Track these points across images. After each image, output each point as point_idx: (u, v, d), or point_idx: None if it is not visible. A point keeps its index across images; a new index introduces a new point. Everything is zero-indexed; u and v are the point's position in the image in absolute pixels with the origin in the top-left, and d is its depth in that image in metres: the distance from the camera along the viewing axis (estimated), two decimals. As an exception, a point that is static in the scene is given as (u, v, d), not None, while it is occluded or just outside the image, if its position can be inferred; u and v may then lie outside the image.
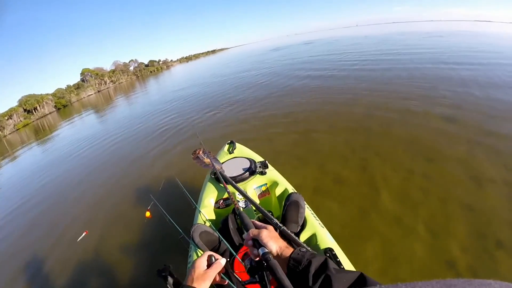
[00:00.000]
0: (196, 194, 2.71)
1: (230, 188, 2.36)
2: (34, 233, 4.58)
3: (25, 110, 35.07)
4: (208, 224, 2.15)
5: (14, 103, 35.98)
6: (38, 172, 7.97)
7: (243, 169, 2.66)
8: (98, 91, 38.60)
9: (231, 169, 2.69)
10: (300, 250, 0.92)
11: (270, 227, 1.04)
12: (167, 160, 5.78)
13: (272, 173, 2.64)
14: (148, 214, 2.54)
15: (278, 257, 0.96)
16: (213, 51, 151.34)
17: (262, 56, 30.61)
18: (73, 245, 3.81)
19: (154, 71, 64.11)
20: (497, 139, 4.20)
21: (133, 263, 3.24)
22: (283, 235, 1.58)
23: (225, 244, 1.80)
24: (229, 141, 3.30)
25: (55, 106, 37.42)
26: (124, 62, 65.44)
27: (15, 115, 32.52)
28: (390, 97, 6.76)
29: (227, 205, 2.49)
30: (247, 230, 1.09)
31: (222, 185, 2.49)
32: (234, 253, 1.61)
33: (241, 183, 2.53)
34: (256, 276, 0.99)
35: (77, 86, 44.84)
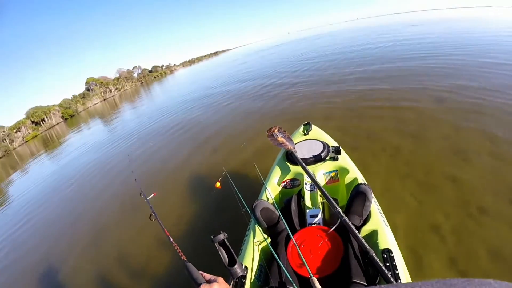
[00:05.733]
0: (267, 171, 2.75)
1: (299, 169, 2.40)
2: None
3: (32, 122, 35.28)
4: (271, 201, 2.14)
5: (21, 116, 36.34)
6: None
7: (316, 152, 2.58)
8: (104, 100, 38.79)
9: (304, 151, 2.64)
10: None
11: (220, 279, 0.99)
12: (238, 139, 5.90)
13: (345, 160, 2.52)
14: (218, 184, 2.49)
15: None
16: (216, 53, 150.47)
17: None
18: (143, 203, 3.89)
19: (158, 76, 64.38)
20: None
21: (193, 225, 3.55)
22: (343, 226, 1.61)
23: (284, 224, 1.80)
24: (306, 122, 3.18)
25: (62, 117, 37.59)
26: (128, 69, 65.72)
27: (23, 127, 32.70)
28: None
29: (293, 186, 2.45)
30: (196, 284, 1.03)
31: (292, 165, 2.52)
32: (291, 235, 1.63)
33: (311, 166, 2.47)
34: None
35: (83, 96, 45.05)
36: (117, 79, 57.08)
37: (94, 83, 50.33)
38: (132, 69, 67.65)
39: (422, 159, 3.64)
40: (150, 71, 73.86)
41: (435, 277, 2.03)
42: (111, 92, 45.46)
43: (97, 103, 34.90)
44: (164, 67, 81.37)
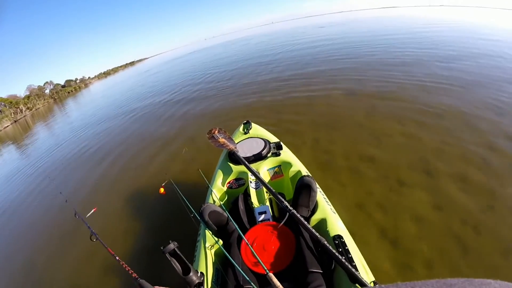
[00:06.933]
0: (212, 174, 2.70)
1: (243, 168, 2.42)
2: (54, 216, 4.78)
3: None
4: (218, 203, 2.17)
5: None
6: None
7: (257, 149, 2.60)
8: (15, 121, 35.55)
9: (245, 150, 2.66)
10: None
11: None
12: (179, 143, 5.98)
13: (286, 154, 2.58)
14: (162, 190, 2.49)
15: None
16: (132, 63, 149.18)
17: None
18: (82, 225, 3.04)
19: (72, 91, 62.87)
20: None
21: (141, 238, 3.36)
22: (293, 219, 1.66)
23: (233, 224, 1.83)
24: (245, 121, 3.22)
25: (-30, 145, 34.22)
26: (39, 86, 62.99)
27: None
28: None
29: (239, 186, 2.45)
30: None
31: (235, 165, 2.52)
32: (242, 235, 1.65)
33: (254, 164, 2.49)
34: None
35: (-9, 119, 42.61)
36: (28, 97, 54.72)
37: (3, 103, 47.45)
38: (44, 85, 65.00)
39: (340, 146, 3.83)
40: (63, 86, 71.54)
41: (372, 249, 2.31)
42: (22, 112, 43.03)
43: (7, 126, 31.93)
44: (78, 81, 78.97)
